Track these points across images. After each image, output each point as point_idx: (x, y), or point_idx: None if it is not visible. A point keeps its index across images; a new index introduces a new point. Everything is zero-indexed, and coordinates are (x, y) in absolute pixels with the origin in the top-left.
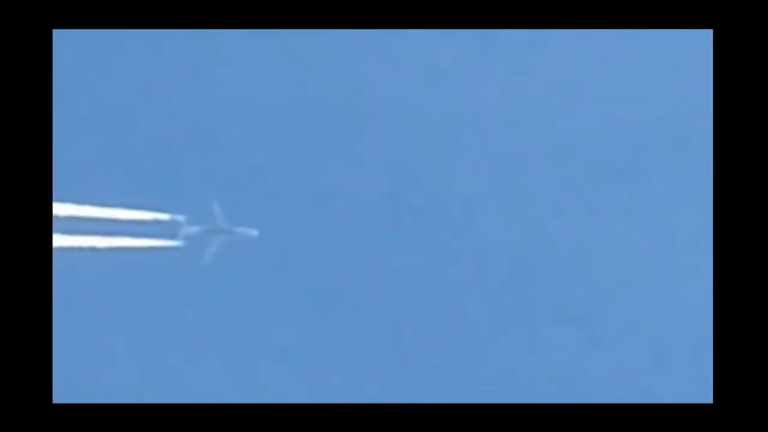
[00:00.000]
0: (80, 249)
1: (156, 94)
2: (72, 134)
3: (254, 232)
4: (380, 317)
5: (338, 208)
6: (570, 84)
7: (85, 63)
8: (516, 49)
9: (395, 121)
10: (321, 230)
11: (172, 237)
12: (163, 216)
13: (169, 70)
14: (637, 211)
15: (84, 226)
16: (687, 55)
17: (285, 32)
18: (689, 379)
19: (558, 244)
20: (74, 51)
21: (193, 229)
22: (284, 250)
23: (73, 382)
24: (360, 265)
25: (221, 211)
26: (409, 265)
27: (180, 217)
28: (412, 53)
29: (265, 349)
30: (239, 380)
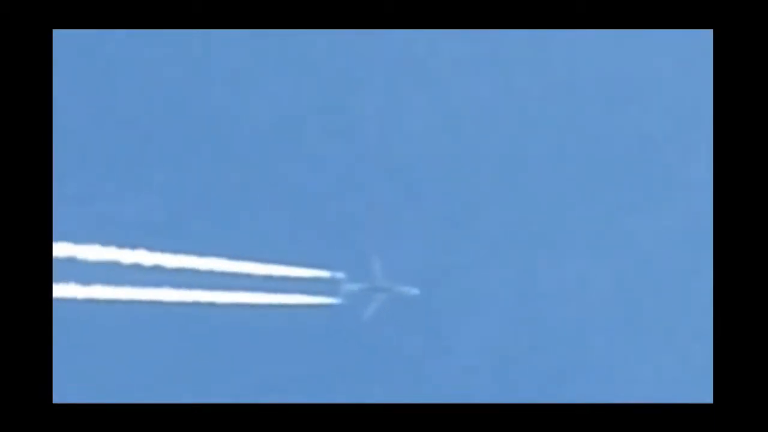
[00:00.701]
0: (240, 305)
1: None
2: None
3: (415, 291)
4: None
5: None
6: (570, 84)
7: (85, 63)
8: (516, 49)
9: None
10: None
11: (333, 294)
12: (324, 273)
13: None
14: (637, 211)
15: (243, 282)
16: (687, 55)
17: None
18: (689, 379)
19: (557, 246)
20: (74, 51)
21: (354, 287)
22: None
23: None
24: None
25: (381, 268)
26: None
27: (340, 275)
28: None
29: None
30: None
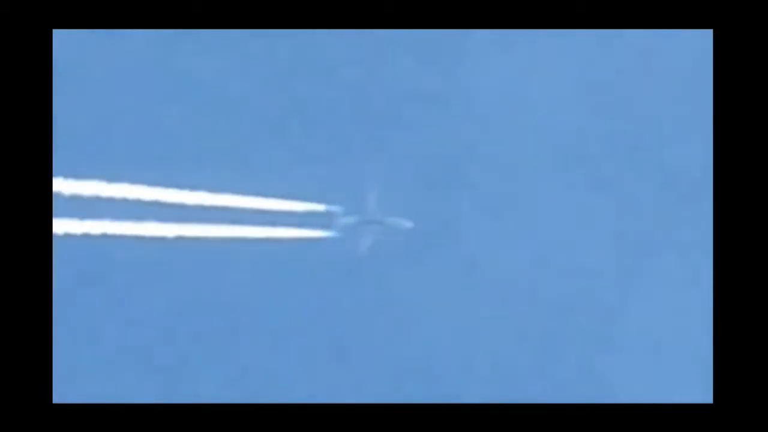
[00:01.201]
0: (234, 239)
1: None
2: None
3: (409, 224)
4: None
5: None
6: (570, 84)
7: (85, 63)
8: (516, 49)
9: None
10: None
11: (328, 228)
12: (319, 207)
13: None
14: (635, 212)
15: (238, 216)
16: (687, 55)
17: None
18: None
19: (559, 245)
20: (74, 51)
21: (349, 220)
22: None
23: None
24: None
25: (376, 201)
26: None
27: (336, 208)
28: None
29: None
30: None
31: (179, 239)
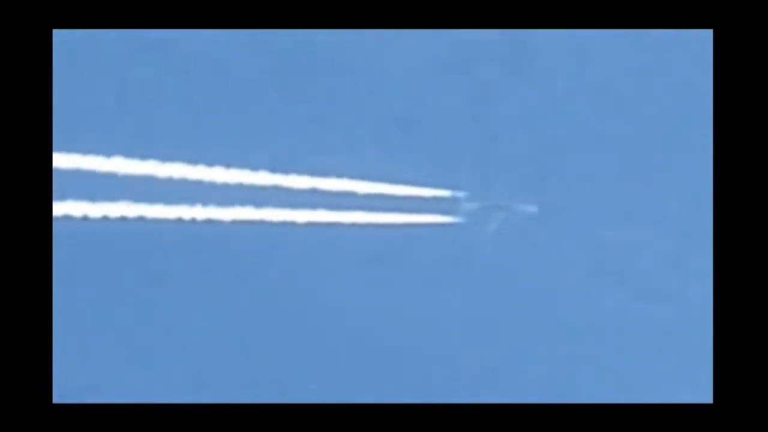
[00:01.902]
0: (355, 225)
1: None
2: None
3: (533, 208)
4: None
5: None
6: (570, 84)
7: (85, 63)
8: (516, 49)
9: None
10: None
11: (453, 213)
12: (444, 192)
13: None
14: (636, 212)
15: (360, 201)
16: (687, 55)
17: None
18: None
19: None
20: (74, 51)
21: (473, 206)
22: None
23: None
24: None
25: (500, 187)
26: None
27: (460, 194)
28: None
29: None
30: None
31: (307, 224)
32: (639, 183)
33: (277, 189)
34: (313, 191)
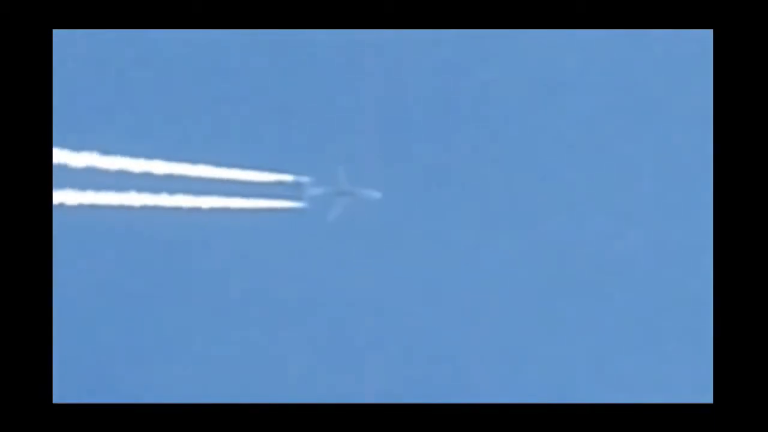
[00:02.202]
0: (208, 210)
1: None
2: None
3: (377, 194)
4: None
5: None
6: (570, 84)
7: (85, 63)
8: (516, 49)
9: None
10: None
11: (297, 198)
12: (288, 177)
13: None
14: (637, 213)
15: (211, 187)
16: (687, 55)
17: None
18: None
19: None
20: (74, 51)
21: (318, 191)
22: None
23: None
24: None
25: (345, 172)
26: None
27: (305, 179)
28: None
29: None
30: None
31: (143, 208)
32: (639, 184)
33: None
34: (150, 176)
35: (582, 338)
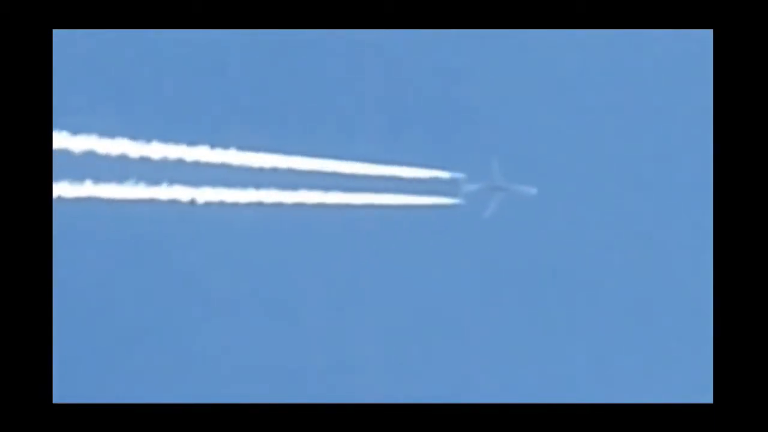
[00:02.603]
0: (355, 206)
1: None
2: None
3: (533, 190)
4: None
5: None
6: (570, 84)
7: (85, 63)
8: (516, 49)
9: None
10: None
11: (453, 195)
12: (443, 174)
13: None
14: (636, 212)
15: (360, 183)
16: (687, 55)
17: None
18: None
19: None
20: (74, 51)
21: (473, 187)
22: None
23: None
24: None
25: (498, 166)
26: None
27: (460, 175)
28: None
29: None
30: None
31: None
32: (639, 184)
33: (280, 171)
34: (317, 173)
35: (582, 338)
